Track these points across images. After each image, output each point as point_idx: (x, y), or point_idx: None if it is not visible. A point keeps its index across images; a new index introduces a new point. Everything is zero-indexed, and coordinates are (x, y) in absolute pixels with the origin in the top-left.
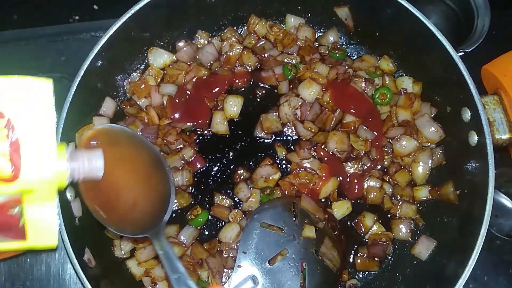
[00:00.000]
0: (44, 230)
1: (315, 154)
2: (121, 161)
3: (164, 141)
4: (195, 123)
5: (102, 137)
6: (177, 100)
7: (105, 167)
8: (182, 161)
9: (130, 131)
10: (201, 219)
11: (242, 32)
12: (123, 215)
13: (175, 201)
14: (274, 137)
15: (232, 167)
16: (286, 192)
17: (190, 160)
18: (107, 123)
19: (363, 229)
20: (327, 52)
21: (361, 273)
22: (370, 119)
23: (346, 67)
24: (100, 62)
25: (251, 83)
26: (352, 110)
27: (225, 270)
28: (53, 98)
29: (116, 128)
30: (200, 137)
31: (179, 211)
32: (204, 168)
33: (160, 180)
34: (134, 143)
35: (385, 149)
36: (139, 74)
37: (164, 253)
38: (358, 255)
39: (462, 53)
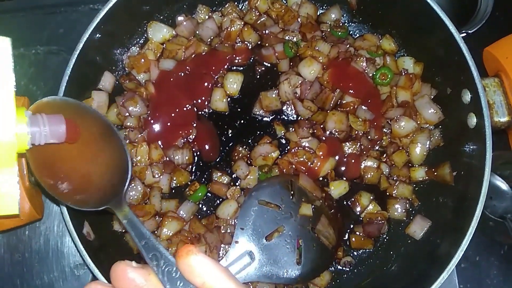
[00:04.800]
0: (4, 198)
1: (314, 133)
2: None
3: None
4: (195, 102)
5: (46, 110)
6: (175, 74)
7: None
8: (182, 140)
9: (74, 102)
10: (199, 194)
11: (243, 7)
12: (80, 189)
13: (174, 178)
14: (273, 115)
15: (230, 144)
16: (284, 171)
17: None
18: (106, 97)
19: (359, 208)
20: (328, 30)
21: (356, 251)
22: (369, 100)
23: (348, 45)
24: (99, 36)
25: (251, 60)
26: (351, 91)
27: (222, 245)
28: (12, 58)
29: (58, 100)
30: (200, 114)
31: (177, 188)
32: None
33: (114, 149)
34: (81, 114)
35: (384, 130)
36: (138, 49)
37: (128, 221)
38: (354, 233)
39: (464, 34)
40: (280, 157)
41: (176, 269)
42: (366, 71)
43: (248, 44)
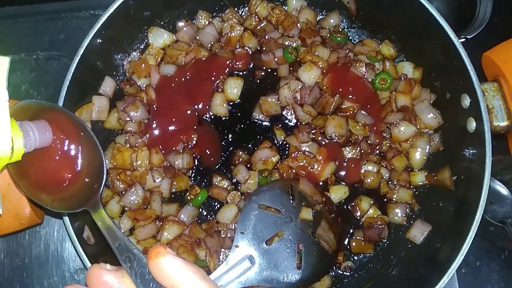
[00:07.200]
0: None
1: (314, 137)
2: None
3: None
4: (196, 107)
5: (22, 114)
6: (176, 79)
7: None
8: (182, 144)
9: (49, 104)
10: (200, 198)
11: (243, 13)
12: (57, 191)
13: (174, 183)
14: (273, 120)
15: (231, 149)
16: (284, 175)
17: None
18: (107, 102)
19: (359, 212)
20: (328, 35)
21: (356, 255)
22: (369, 105)
23: (347, 51)
24: (100, 41)
25: (251, 65)
26: (350, 96)
27: (222, 249)
28: (7, 75)
29: (33, 103)
30: (201, 119)
31: (177, 193)
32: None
33: (89, 150)
34: (55, 115)
35: (384, 134)
36: (138, 54)
37: (103, 223)
38: (354, 237)
39: (463, 40)
40: (280, 161)
41: (149, 271)
42: (365, 76)
43: (248, 50)
